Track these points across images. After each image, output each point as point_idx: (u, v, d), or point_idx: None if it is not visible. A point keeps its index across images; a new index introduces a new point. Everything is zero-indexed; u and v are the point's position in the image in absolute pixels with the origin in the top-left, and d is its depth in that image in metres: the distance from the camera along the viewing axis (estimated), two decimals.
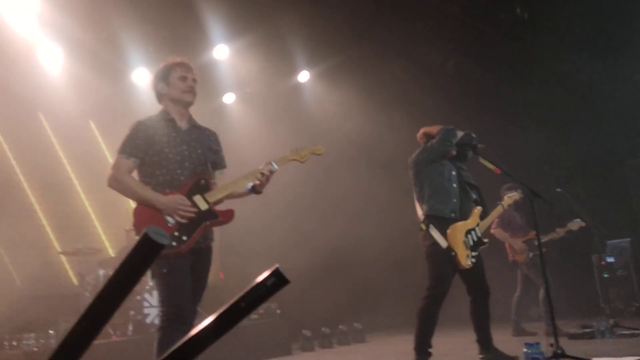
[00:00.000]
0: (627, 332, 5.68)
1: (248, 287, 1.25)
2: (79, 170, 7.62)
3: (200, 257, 3.10)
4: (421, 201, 4.47)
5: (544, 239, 6.65)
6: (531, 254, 6.53)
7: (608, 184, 8.92)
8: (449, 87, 8.95)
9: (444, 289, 4.28)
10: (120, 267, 1.24)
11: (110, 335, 6.05)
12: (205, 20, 6.95)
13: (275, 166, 3.19)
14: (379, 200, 8.86)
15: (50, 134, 7.56)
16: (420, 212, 4.48)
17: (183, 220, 2.96)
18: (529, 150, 9.36)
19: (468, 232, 4.37)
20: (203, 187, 3.11)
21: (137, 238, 2.86)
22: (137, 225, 2.99)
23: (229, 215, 3.13)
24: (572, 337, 5.82)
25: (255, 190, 3.18)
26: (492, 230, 6.71)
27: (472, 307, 4.41)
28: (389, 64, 8.43)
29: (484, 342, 4.36)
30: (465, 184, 4.54)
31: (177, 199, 2.98)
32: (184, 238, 2.96)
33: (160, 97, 3.32)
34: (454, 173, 4.49)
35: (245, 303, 1.26)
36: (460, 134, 4.61)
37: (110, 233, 7.71)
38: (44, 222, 7.12)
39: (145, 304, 6.21)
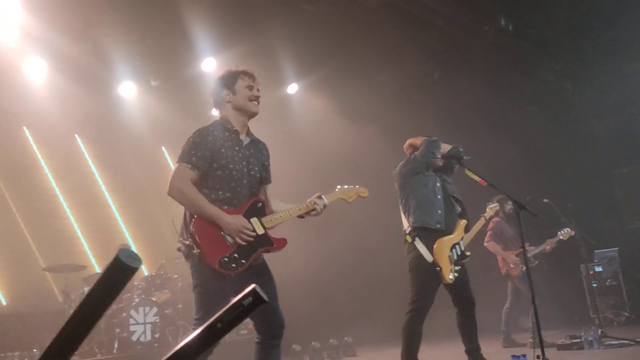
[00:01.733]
0: (615, 342, 5.68)
1: (225, 308, 1.23)
2: (65, 185, 7.56)
3: (258, 274, 3.00)
4: (407, 213, 4.47)
5: (535, 251, 6.68)
6: (524, 267, 6.53)
7: (595, 194, 8.99)
8: (437, 98, 9.00)
9: (427, 302, 4.25)
10: (91, 291, 1.20)
11: (96, 353, 5.97)
12: (193, 33, 6.94)
13: (327, 201, 3.26)
14: (368, 214, 8.83)
15: (35, 148, 7.50)
16: (406, 224, 4.47)
17: (243, 243, 2.91)
18: (516, 162, 9.41)
19: (453, 246, 4.37)
20: (260, 210, 3.07)
21: (195, 254, 3.03)
22: (195, 239, 2.86)
23: (282, 244, 3.09)
24: (561, 347, 5.81)
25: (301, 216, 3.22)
26: (485, 244, 6.70)
27: (459, 318, 4.39)
28: (376, 76, 8.47)
29: (473, 352, 4.33)
30: (450, 197, 4.54)
31: (241, 221, 2.92)
32: (243, 261, 2.91)
33: (221, 104, 3.18)
34: (438, 185, 4.49)
35: (221, 324, 1.24)
36: (445, 146, 4.61)
37: (97, 249, 7.63)
38: (29, 238, 7.03)
39: (132, 320, 6.14)
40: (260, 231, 3.01)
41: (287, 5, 6.85)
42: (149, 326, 6.17)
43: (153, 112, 7.65)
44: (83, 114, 7.50)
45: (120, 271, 1.17)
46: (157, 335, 6.21)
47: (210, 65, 7.77)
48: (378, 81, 8.55)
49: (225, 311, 1.22)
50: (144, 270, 7.22)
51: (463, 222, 4.53)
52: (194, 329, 2.79)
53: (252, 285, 1.19)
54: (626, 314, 8.15)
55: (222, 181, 3.00)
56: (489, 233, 6.66)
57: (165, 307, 6.58)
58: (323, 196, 3.25)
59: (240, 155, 3.08)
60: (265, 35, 7.22)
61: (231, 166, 3.01)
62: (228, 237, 2.90)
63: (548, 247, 6.76)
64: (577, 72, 9.11)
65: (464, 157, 4.50)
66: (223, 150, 3.01)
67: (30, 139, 7.49)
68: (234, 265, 2.87)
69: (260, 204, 3.10)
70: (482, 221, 5.15)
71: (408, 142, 4.80)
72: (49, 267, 6.61)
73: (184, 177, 2.94)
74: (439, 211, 4.39)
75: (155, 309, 6.29)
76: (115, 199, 8.09)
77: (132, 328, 6.08)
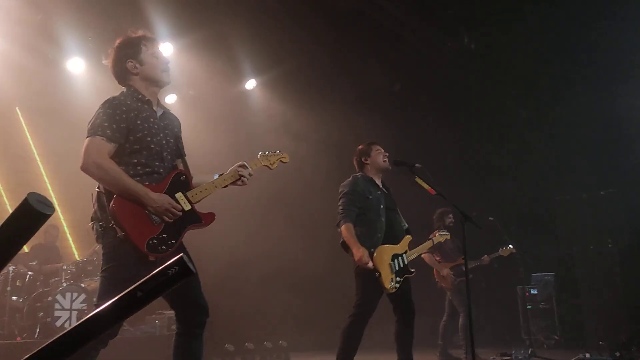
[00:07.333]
0: None
1: (148, 276, 1.11)
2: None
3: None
4: None
5: (472, 265, 6.74)
6: (457, 280, 6.58)
7: (537, 218, 9.22)
8: (393, 110, 9.05)
9: (370, 308, 4.20)
10: None
11: (15, 336, 5.63)
12: (150, 16, 6.69)
13: (252, 170, 3.07)
14: (313, 217, 8.75)
15: None
16: None
17: (170, 221, 2.69)
18: (464, 179, 9.57)
19: (395, 256, 4.33)
20: (184, 184, 2.84)
21: (120, 237, 2.71)
22: (118, 221, 2.58)
23: (210, 219, 2.89)
24: None
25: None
26: (422, 255, 6.73)
27: (397, 327, 4.35)
28: (335, 81, 8.44)
29: None
30: (396, 214, 4.51)
31: (167, 198, 2.69)
32: (172, 242, 2.69)
33: (125, 76, 2.89)
34: (382, 206, 4.44)
35: (142, 292, 1.11)
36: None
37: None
38: None
39: (57, 306, 5.81)
40: (187, 207, 2.79)
41: None
42: (75, 313, 5.85)
43: (101, 91, 7.33)
44: (27, 87, 7.12)
45: (29, 216, 1.03)
46: None
47: (166, 51, 7.53)
48: (337, 86, 8.52)
49: (148, 279, 1.09)
50: (76, 255, 6.88)
51: (408, 237, 4.53)
52: None
53: (180, 255, 1.07)
54: (556, 337, 8.37)
55: (139, 155, 2.73)
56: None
57: (94, 295, 6.26)
58: (246, 164, 3.07)
59: (156, 127, 2.83)
60: (227, 26, 7.06)
61: (149, 139, 2.76)
62: (154, 216, 2.66)
63: (486, 261, 6.82)
64: (532, 100, 9.37)
65: (416, 165, 4.48)
66: (139, 122, 2.76)
67: None
68: (163, 247, 2.64)
69: (184, 176, 2.87)
70: (429, 244, 5.16)
71: (358, 149, 4.75)
72: None
73: (101, 150, 2.63)
74: (379, 235, 4.33)
75: (83, 296, 5.99)
76: (53, 179, 7.69)
77: (57, 314, 5.75)
